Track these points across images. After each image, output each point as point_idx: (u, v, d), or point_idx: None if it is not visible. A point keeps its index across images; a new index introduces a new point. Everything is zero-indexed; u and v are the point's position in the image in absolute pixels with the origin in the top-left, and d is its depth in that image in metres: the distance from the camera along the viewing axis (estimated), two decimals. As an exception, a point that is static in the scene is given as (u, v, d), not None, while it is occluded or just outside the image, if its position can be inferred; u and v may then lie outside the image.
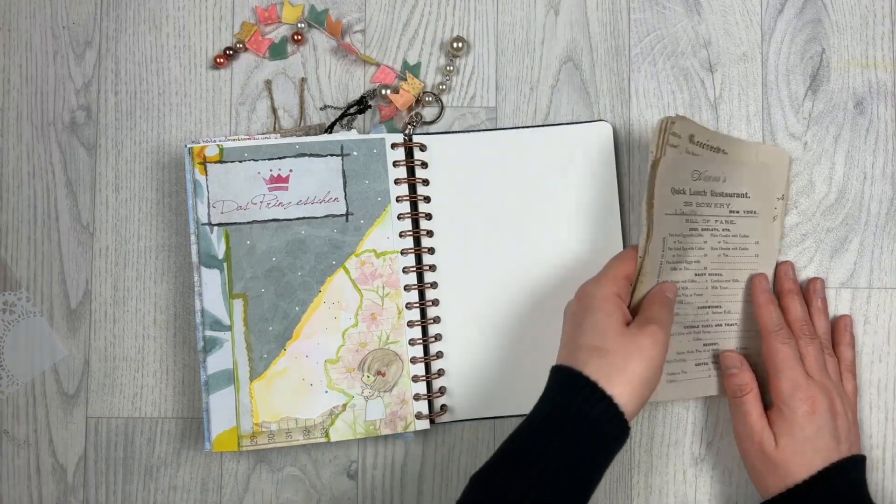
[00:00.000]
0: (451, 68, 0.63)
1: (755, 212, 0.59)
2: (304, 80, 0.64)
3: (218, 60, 0.63)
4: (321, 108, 0.63)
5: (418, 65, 0.64)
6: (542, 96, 0.63)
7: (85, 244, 0.63)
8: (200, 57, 0.64)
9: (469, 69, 0.64)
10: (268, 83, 0.64)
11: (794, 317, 0.58)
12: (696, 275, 0.58)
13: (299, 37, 0.63)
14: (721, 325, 0.59)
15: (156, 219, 0.63)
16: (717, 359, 0.59)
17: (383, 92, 0.62)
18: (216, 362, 0.59)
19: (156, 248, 0.63)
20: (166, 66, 0.64)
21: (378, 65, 0.64)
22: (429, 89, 0.63)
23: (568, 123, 0.62)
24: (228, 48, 0.64)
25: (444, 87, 0.63)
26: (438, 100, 0.63)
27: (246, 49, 0.64)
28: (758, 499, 0.60)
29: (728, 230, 0.58)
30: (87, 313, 0.63)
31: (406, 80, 0.63)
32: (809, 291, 0.61)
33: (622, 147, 0.63)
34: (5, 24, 0.64)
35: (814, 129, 0.63)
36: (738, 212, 0.58)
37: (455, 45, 0.63)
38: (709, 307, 0.59)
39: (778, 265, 0.61)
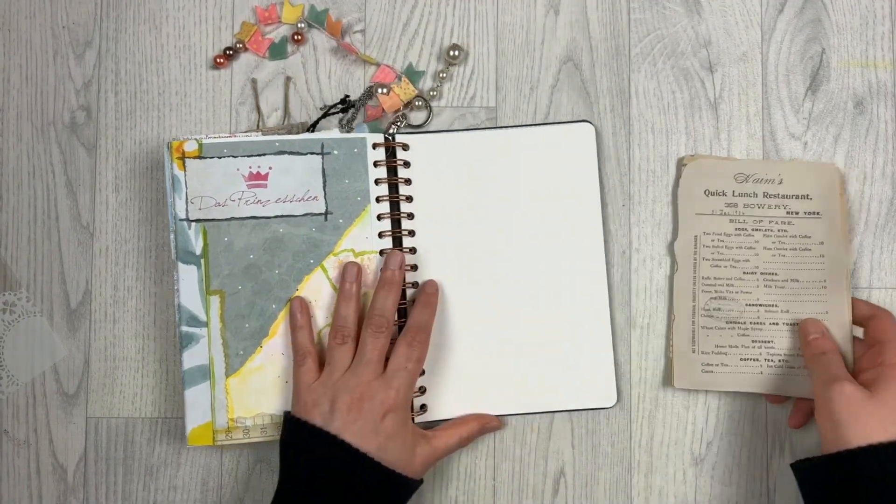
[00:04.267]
0: (444, 75, 0.63)
1: (818, 213, 0.60)
2: (289, 78, 0.63)
3: (218, 60, 0.63)
4: (321, 108, 0.63)
5: (422, 72, 0.63)
6: (542, 96, 0.63)
7: (85, 244, 0.63)
8: (200, 57, 0.64)
9: (469, 69, 0.64)
10: (253, 82, 0.63)
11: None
12: (744, 273, 0.60)
13: (299, 37, 0.63)
14: (777, 323, 0.60)
15: (156, 219, 0.63)
16: (773, 356, 0.60)
17: (379, 90, 0.62)
18: (192, 358, 0.59)
19: (156, 248, 0.63)
20: (166, 66, 0.64)
21: (378, 65, 0.64)
22: (424, 94, 0.63)
23: (551, 123, 0.62)
24: (228, 48, 0.64)
25: (434, 93, 0.63)
26: (428, 105, 0.63)
27: (246, 49, 0.64)
28: (758, 498, 0.60)
29: (785, 231, 0.60)
30: (87, 313, 0.63)
31: (401, 82, 0.63)
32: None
33: (622, 146, 0.63)
34: (5, 24, 0.64)
35: (814, 129, 0.63)
36: (797, 213, 0.60)
37: (451, 52, 0.62)
38: (760, 305, 0.60)
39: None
